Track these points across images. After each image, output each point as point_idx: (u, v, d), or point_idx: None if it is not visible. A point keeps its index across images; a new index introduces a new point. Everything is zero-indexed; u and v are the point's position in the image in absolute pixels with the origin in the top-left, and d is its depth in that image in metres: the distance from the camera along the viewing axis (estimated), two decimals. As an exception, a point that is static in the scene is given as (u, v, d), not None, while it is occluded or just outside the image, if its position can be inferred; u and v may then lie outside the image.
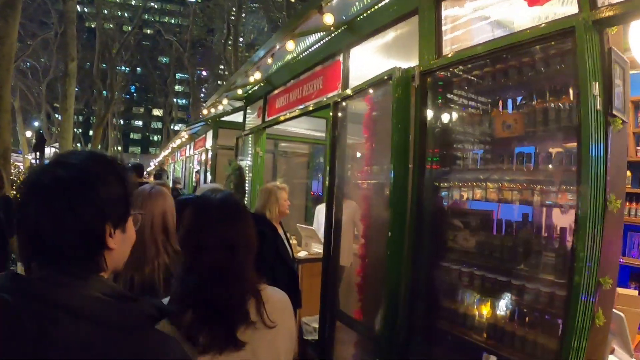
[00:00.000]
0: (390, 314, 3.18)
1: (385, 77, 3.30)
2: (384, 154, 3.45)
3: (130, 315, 1.01)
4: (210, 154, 10.42)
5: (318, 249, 6.26)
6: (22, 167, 20.63)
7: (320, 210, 6.64)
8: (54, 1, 29.36)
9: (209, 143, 10.88)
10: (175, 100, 56.32)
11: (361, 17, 4.10)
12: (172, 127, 55.02)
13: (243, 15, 32.63)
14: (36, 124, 39.06)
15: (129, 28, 40.06)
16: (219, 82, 53.15)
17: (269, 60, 5.34)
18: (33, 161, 21.40)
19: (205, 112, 7.49)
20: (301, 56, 5.31)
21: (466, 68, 3.03)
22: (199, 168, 13.03)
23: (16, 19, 9.88)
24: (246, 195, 6.60)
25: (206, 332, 1.48)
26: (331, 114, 4.17)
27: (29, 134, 34.91)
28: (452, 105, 3.23)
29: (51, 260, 1.00)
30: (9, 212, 5.53)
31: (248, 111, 7.38)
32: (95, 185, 1.05)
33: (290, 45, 4.62)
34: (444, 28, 3.12)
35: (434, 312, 3.14)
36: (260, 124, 6.36)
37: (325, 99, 4.67)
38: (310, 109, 4.87)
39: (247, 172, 6.83)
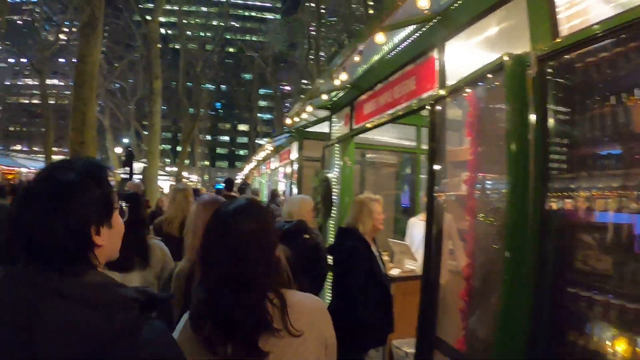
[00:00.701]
0: (504, 348, 2.67)
1: (494, 68, 2.82)
2: (493, 160, 2.98)
3: (115, 297, 1.10)
4: (295, 166, 10.23)
5: (411, 265, 5.81)
6: (112, 182, 21.42)
7: (414, 224, 6.18)
8: (138, 25, 30.84)
9: (294, 155, 10.68)
10: (259, 115, 57.52)
11: (456, 4, 3.64)
12: (257, 141, 56.24)
13: (322, 29, 32.71)
14: (125, 140, 41.12)
15: (212, 47, 41.41)
16: (302, 96, 53.78)
17: (356, 58, 4.95)
18: (123, 176, 22.18)
19: (289, 121, 7.26)
20: (389, 55, 4.90)
21: (593, 49, 2.46)
22: (285, 183, 12.96)
23: (97, 38, 10.18)
24: (333, 208, 6.26)
25: (226, 342, 1.48)
26: (429, 116, 3.74)
27: (119, 150, 36.82)
28: (575, 96, 2.68)
29: (45, 261, 1.09)
30: None
31: (334, 120, 7.04)
32: (74, 194, 1.15)
33: (380, 37, 4.18)
34: (557, 3, 2.60)
35: (558, 348, 2.60)
36: (348, 133, 6.00)
37: (416, 102, 4.23)
38: (401, 113, 4.44)
39: (334, 183, 6.50)
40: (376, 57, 5.18)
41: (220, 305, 1.52)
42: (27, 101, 66.86)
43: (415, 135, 7.39)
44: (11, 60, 60.11)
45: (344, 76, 5.16)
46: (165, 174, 33.01)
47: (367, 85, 5.65)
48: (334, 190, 6.34)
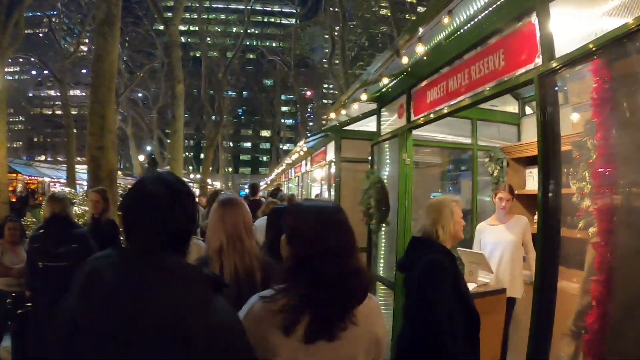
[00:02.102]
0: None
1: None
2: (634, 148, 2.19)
3: (199, 275, 1.44)
4: (332, 168, 9.41)
5: (485, 278, 5.01)
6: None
7: (484, 229, 5.35)
8: (158, 33, 30.72)
9: (330, 156, 9.87)
10: (282, 120, 57.36)
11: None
12: (281, 146, 56.03)
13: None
14: (148, 148, 41.28)
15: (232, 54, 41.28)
16: (324, 100, 53.70)
17: (419, 50, 4.21)
18: None
19: (332, 115, 6.48)
20: (461, 31, 4.11)
21: None
22: (319, 186, 12.19)
23: (115, 36, 9.61)
24: (390, 214, 5.44)
25: (306, 324, 1.67)
26: (535, 95, 2.94)
27: (142, 157, 36.86)
28: None
29: (152, 247, 1.44)
30: (113, 235, 5.42)
31: (383, 113, 6.24)
32: (188, 197, 1.55)
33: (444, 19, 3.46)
34: None
35: None
36: (405, 125, 5.18)
37: (507, 79, 3.43)
38: (489, 94, 3.63)
39: (388, 185, 5.71)
40: (441, 36, 4.39)
41: (317, 297, 1.69)
42: (50, 112, 67.74)
43: (470, 130, 6.59)
44: (33, 72, 60.91)
45: (404, 59, 4.38)
46: (189, 181, 32.63)
47: (427, 71, 4.85)
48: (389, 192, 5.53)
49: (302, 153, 12.64)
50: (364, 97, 5.74)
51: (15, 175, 30.74)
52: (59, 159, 48.35)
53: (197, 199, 10.84)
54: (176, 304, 1.32)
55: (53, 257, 4.52)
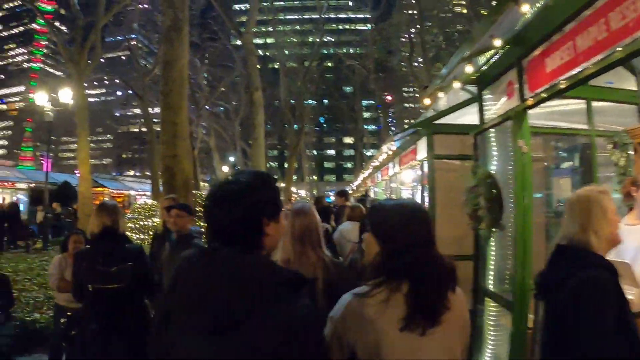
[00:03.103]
0: None
1: None
2: None
3: (275, 272, 1.54)
4: (424, 167, 8.41)
5: (629, 294, 3.87)
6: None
7: (621, 232, 4.19)
8: (236, 47, 31.08)
9: (421, 154, 8.87)
10: (364, 126, 57.03)
11: None
12: (364, 152, 55.64)
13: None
14: (231, 159, 42.19)
15: (312, 64, 41.43)
16: (405, 104, 52.74)
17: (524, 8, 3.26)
18: None
19: (427, 101, 5.55)
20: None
21: None
22: (409, 189, 11.24)
23: (182, 41, 9.27)
24: (503, 215, 4.41)
25: (419, 310, 1.76)
26: None
27: (225, 169, 37.56)
28: None
29: (228, 242, 1.55)
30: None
31: (486, 96, 5.22)
32: (253, 192, 1.62)
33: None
34: None
35: None
36: (519, 105, 4.13)
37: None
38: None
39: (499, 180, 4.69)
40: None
41: (419, 291, 1.80)
42: (136, 129, 71.42)
43: (583, 114, 5.42)
44: (119, 92, 64.56)
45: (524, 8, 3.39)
46: None
47: (542, 33, 3.83)
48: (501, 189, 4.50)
49: (390, 153, 11.64)
50: (468, 69, 4.74)
51: (101, 189, 32.53)
52: (147, 173, 50.87)
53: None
54: (252, 299, 1.42)
55: (104, 278, 3.86)
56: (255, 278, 1.46)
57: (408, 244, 1.86)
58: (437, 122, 7.79)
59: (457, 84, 4.85)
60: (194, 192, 14.55)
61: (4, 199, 21.57)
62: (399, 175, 12.47)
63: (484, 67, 5.04)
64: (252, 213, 1.58)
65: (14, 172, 29.19)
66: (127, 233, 5.28)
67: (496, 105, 4.92)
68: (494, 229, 4.49)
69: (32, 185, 26.92)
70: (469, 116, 7.76)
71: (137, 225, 11.88)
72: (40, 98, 17.89)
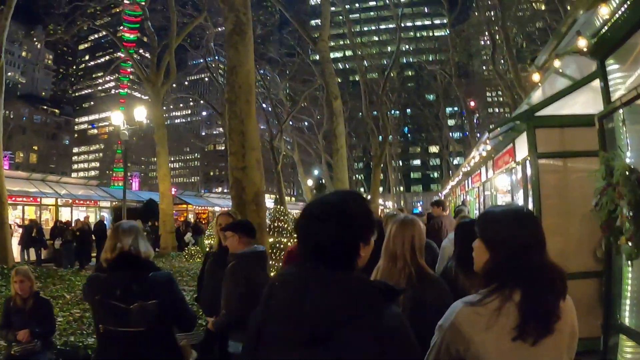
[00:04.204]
0: None
1: None
2: None
3: (367, 287, 1.53)
4: (527, 169, 7.05)
5: None
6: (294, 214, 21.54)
7: None
8: (315, 62, 30.78)
9: (521, 154, 7.52)
10: (449, 134, 55.67)
11: None
12: (450, 160, 54.55)
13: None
14: (316, 172, 42.27)
15: (393, 74, 40.85)
16: (489, 109, 50.54)
17: None
18: None
19: (536, 77, 4.36)
20: None
21: None
22: (507, 195, 9.78)
23: (247, 45, 8.61)
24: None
25: (533, 319, 1.69)
26: None
27: (310, 182, 37.46)
28: None
29: (325, 261, 1.54)
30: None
31: (612, 67, 3.99)
32: (356, 215, 1.62)
33: None
34: None
35: None
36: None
37: None
38: None
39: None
40: None
41: (536, 294, 1.73)
42: (222, 147, 73.75)
43: None
44: (204, 113, 66.91)
45: None
46: None
47: None
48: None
49: (483, 154, 10.14)
50: (582, 43, 3.58)
51: (185, 206, 33.15)
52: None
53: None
54: (345, 310, 1.44)
55: (121, 317, 2.89)
56: (350, 290, 1.49)
57: (518, 249, 1.80)
58: (540, 114, 6.55)
59: (581, 42, 3.60)
60: (279, 207, 14.02)
61: (87, 217, 22.17)
62: (493, 181, 10.99)
63: (604, 29, 3.80)
64: (353, 236, 1.59)
65: (97, 191, 30.12)
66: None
67: (630, 79, 3.67)
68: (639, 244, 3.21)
69: (115, 203, 27.66)
70: (567, 108, 6.51)
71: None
72: (117, 118, 18.19)
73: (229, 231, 4.08)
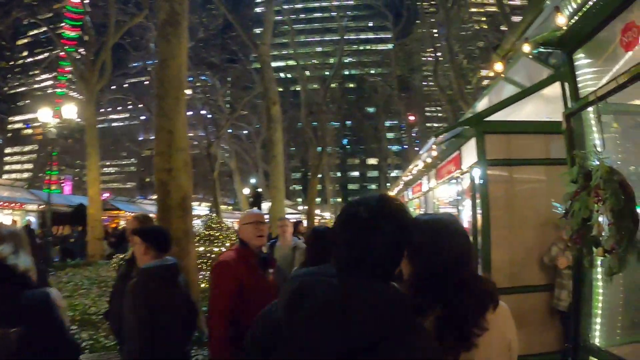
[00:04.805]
0: None
1: None
2: None
3: (402, 300, 1.47)
4: (474, 177, 6.68)
5: None
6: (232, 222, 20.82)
7: None
8: (258, 70, 30.28)
9: (468, 161, 7.18)
10: (388, 147, 56.46)
11: None
12: (389, 173, 55.33)
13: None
14: (252, 181, 41.91)
15: (334, 85, 41.19)
16: (428, 124, 51.86)
17: None
18: None
19: (498, 67, 3.92)
20: None
21: None
22: (452, 208, 9.45)
23: (180, 38, 7.91)
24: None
25: (451, 335, 1.67)
26: None
27: (246, 191, 36.97)
28: None
29: (365, 272, 1.46)
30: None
31: (580, 61, 3.61)
32: (404, 225, 1.51)
33: None
34: None
35: None
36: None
37: None
38: None
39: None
40: None
41: (457, 308, 1.70)
42: None
43: None
44: (142, 117, 64.85)
45: None
46: (296, 212, 31.63)
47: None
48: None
49: (428, 161, 9.69)
50: (561, 20, 3.16)
51: (117, 212, 31.70)
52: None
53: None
54: (381, 326, 1.38)
55: None
56: (393, 306, 1.43)
57: (442, 262, 1.75)
58: (489, 119, 6.23)
59: (561, 19, 3.15)
60: (213, 215, 13.26)
61: (14, 221, 20.55)
62: (435, 191, 10.67)
63: (573, 19, 3.41)
64: (402, 244, 1.51)
65: (25, 193, 28.15)
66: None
67: (606, 75, 3.28)
68: (625, 259, 2.76)
69: (42, 207, 25.89)
70: (514, 116, 6.27)
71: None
72: (44, 115, 17.04)
73: (135, 237, 3.38)
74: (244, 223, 3.53)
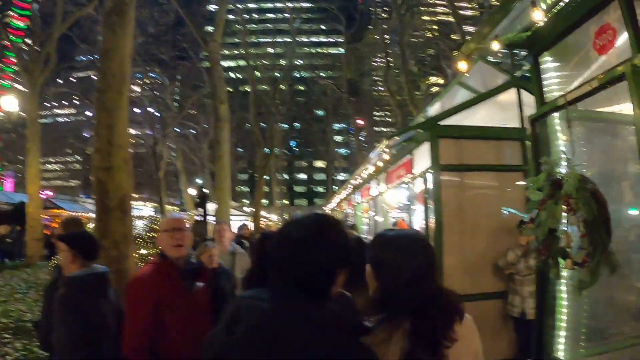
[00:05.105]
0: None
1: None
2: None
3: (348, 324, 1.54)
4: (427, 182, 6.53)
5: None
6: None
7: None
8: (208, 70, 29.83)
9: (420, 166, 7.05)
10: (336, 149, 56.67)
11: None
12: (335, 176, 55.43)
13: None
14: (198, 181, 41.35)
15: (284, 87, 41.56)
16: (375, 128, 52.45)
17: None
18: (198, 218, 20.96)
19: (462, 66, 3.68)
20: None
21: None
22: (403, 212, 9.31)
23: (126, 29, 7.46)
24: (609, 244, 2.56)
25: (422, 348, 1.64)
26: None
27: (192, 191, 36.40)
28: None
29: (301, 291, 1.48)
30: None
31: (547, 65, 3.47)
32: (338, 244, 1.56)
33: None
34: None
35: None
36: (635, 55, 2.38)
37: None
38: None
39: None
40: None
41: (427, 322, 1.67)
42: None
43: None
44: (89, 113, 62.54)
45: None
46: (242, 213, 31.05)
47: None
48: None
49: (380, 164, 9.47)
50: (537, 15, 2.99)
51: (58, 211, 30.28)
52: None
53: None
54: (314, 347, 1.39)
55: None
56: (328, 327, 1.44)
57: (409, 279, 1.72)
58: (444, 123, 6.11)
59: (537, 14, 2.98)
60: (156, 216, 12.67)
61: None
62: (384, 196, 10.52)
63: (542, 22, 3.27)
64: (336, 263, 1.54)
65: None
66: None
67: (576, 79, 3.14)
68: (597, 270, 2.59)
69: (-23, 204, 24.37)
70: (467, 122, 6.20)
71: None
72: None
73: (61, 243, 2.97)
74: (161, 231, 3.07)
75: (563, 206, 2.64)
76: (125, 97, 7.61)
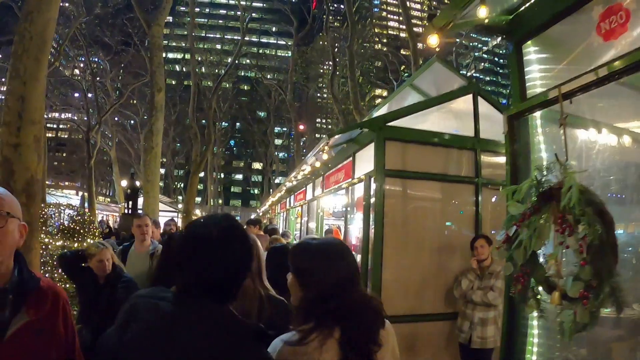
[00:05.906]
0: None
1: None
2: None
3: (242, 326, 1.45)
4: (370, 188, 5.92)
5: None
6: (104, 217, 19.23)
7: None
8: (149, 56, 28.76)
9: (361, 170, 6.43)
10: (275, 153, 56.30)
11: None
12: (273, 179, 55.21)
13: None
14: (131, 171, 40.28)
15: (227, 84, 40.91)
16: (316, 135, 52.50)
17: None
18: (125, 211, 20.49)
19: (433, 40, 3.01)
20: None
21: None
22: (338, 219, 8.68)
23: None
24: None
25: (354, 354, 1.66)
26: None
27: (124, 183, 35.21)
28: None
29: (205, 293, 1.45)
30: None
31: (530, 55, 2.89)
32: (242, 245, 1.55)
33: None
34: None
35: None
36: None
37: None
38: None
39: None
40: None
41: (356, 328, 1.71)
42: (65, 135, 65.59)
43: None
44: None
45: None
46: (173, 210, 29.71)
47: None
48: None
49: (317, 165, 8.73)
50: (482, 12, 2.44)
51: None
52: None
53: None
54: (212, 351, 1.35)
55: None
56: (227, 332, 1.39)
57: (333, 287, 1.74)
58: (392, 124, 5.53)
59: (482, 10, 2.41)
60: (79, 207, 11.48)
61: None
62: (320, 200, 9.86)
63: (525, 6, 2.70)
64: (239, 266, 1.52)
65: None
66: None
67: (569, 73, 2.58)
68: (599, 307, 1.96)
69: None
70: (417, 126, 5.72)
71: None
72: None
73: None
74: None
75: (557, 224, 2.05)
76: (44, 67, 6.82)
